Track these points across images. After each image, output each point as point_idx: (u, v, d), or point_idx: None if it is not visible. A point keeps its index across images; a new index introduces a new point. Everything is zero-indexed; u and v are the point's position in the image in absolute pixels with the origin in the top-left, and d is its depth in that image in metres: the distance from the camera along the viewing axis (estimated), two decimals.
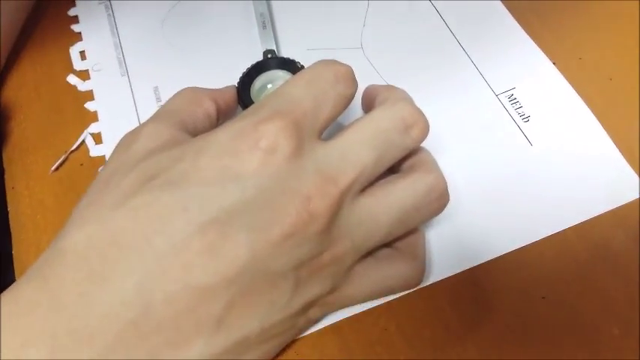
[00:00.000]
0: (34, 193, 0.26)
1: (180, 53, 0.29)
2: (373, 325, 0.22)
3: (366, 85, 0.24)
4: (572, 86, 0.26)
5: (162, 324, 0.17)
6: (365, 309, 0.22)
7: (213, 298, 0.17)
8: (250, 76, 0.25)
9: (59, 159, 0.26)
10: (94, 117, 0.28)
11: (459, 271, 0.22)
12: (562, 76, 0.26)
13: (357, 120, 0.20)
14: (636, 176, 0.24)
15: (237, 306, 0.17)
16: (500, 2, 0.29)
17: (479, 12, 0.29)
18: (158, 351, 0.17)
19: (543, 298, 0.22)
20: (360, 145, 0.19)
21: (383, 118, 0.20)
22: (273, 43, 0.28)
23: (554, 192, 0.24)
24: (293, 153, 0.18)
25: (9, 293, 0.17)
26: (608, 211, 0.23)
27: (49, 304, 0.16)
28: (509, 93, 0.26)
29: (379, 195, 0.20)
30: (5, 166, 0.27)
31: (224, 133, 0.19)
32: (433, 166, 0.21)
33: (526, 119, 0.25)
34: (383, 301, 0.22)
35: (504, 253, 0.23)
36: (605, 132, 0.25)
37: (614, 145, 0.24)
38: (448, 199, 0.21)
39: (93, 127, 0.27)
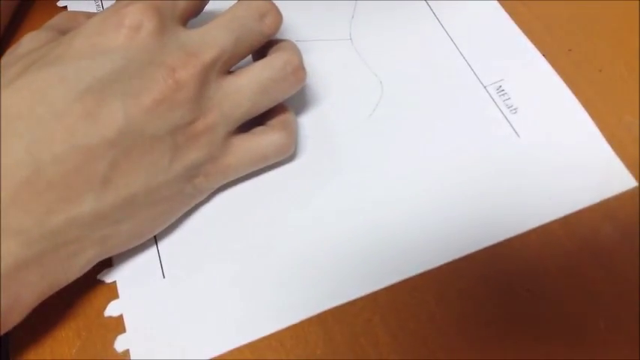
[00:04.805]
0: None
1: None
2: (357, 317, 0.22)
3: (351, 72, 0.26)
4: (562, 78, 0.26)
5: (54, 182, 0.19)
6: (348, 300, 0.22)
7: (98, 158, 0.19)
8: None
9: None
10: None
11: (443, 262, 0.22)
12: (551, 68, 0.26)
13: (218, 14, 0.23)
14: (624, 168, 0.23)
15: (121, 165, 0.20)
16: None
17: (468, 2, 0.28)
18: (53, 206, 0.19)
19: (528, 290, 0.22)
20: (218, 29, 0.22)
21: (238, 9, 0.23)
22: None
23: (540, 184, 0.23)
24: (156, 30, 0.21)
25: None
26: (595, 203, 0.23)
27: None
28: (498, 84, 0.26)
29: (242, 72, 0.23)
30: None
31: (93, 19, 0.21)
32: (290, 47, 0.24)
33: (514, 111, 0.25)
34: (368, 294, 0.22)
35: (490, 244, 0.22)
36: (594, 124, 0.24)
37: (603, 137, 0.24)
38: (304, 74, 0.24)
39: None
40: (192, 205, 0.24)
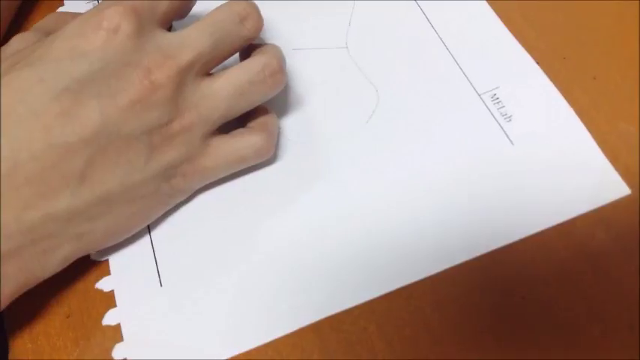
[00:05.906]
0: None
1: None
2: (353, 325, 0.22)
3: (348, 80, 0.26)
4: (556, 85, 0.26)
5: (31, 178, 0.20)
6: (344, 308, 0.22)
7: (74, 155, 0.20)
8: None
9: None
10: None
11: (438, 270, 0.22)
12: (545, 76, 0.26)
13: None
14: (618, 176, 0.24)
15: (98, 163, 0.21)
16: (484, 2, 0.29)
17: (463, 11, 0.29)
18: (31, 201, 0.20)
19: (523, 297, 0.22)
20: (197, 32, 0.22)
21: (219, 12, 0.23)
22: None
23: (535, 191, 0.24)
24: (134, 33, 0.21)
25: None
26: (589, 211, 0.23)
27: None
28: (492, 92, 0.26)
29: (220, 75, 0.23)
30: None
31: (74, 22, 0.22)
32: (270, 51, 0.24)
33: (508, 119, 0.25)
34: (364, 302, 0.22)
35: (485, 252, 0.23)
36: (588, 132, 0.25)
37: (597, 145, 0.24)
38: (283, 78, 0.24)
39: None
40: (172, 205, 0.24)
